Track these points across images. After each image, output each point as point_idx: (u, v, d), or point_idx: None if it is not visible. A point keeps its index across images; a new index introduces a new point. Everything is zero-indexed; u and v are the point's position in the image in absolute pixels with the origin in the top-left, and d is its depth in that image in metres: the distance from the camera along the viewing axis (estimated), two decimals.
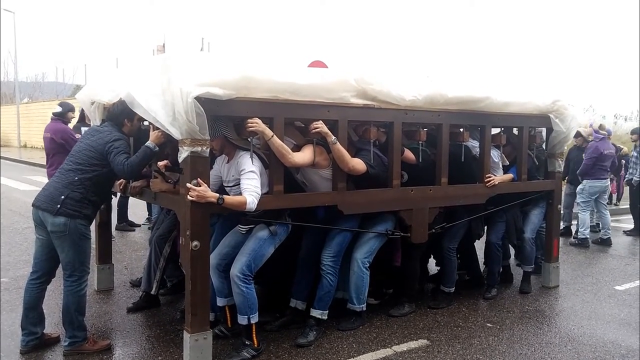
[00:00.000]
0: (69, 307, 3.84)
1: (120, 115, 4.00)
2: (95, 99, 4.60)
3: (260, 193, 3.67)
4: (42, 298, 3.96)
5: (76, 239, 3.75)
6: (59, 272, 3.92)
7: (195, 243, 3.50)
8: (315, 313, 4.28)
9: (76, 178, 3.76)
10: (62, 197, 3.71)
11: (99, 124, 4.27)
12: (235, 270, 3.79)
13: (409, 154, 4.57)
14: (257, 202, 3.62)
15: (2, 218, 8.01)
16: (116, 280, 5.56)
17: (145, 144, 3.84)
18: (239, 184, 3.74)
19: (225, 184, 3.93)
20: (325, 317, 4.31)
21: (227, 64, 3.62)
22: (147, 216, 8.61)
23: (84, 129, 7.25)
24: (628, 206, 9.48)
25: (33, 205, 3.86)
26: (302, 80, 3.83)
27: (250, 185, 3.63)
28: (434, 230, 4.77)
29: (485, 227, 5.55)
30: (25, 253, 6.63)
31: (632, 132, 8.72)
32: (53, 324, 4.32)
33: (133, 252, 6.80)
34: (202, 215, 3.53)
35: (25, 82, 36.91)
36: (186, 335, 3.60)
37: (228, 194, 3.74)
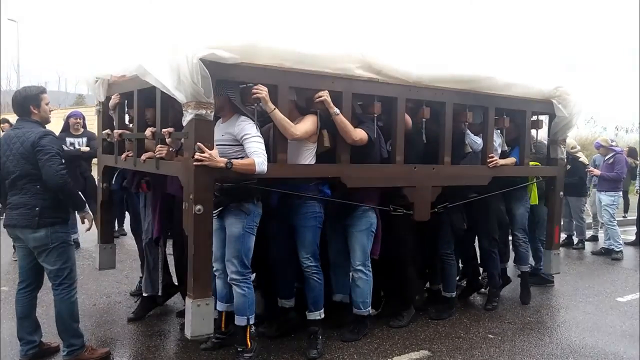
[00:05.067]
0: (62, 315, 3.81)
1: (25, 103, 3.74)
2: (99, 75, 4.60)
3: (266, 156, 3.66)
4: (34, 306, 3.93)
5: (60, 249, 3.71)
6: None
7: (198, 207, 3.48)
8: (314, 316, 4.21)
9: (38, 186, 3.65)
10: (37, 208, 3.63)
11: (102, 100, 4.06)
12: (232, 273, 3.77)
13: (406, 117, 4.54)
14: (266, 164, 3.62)
15: (2, 227, 8.00)
16: (117, 289, 5.56)
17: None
18: (228, 144, 3.71)
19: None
20: (323, 315, 4.24)
21: (233, 28, 3.59)
22: None
23: (69, 140, 7.24)
24: (635, 217, 9.54)
25: (7, 226, 3.77)
26: (307, 48, 3.82)
27: (258, 148, 3.63)
28: (436, 210, 4.73)
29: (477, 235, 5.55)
30: None
31: None
32: (53, 334, 4.30)
33: (133, 261, 6.76)
34: (206, 180, 3.53)
35: None
36: (188, 301, 3.55)
37: None
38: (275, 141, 3.86)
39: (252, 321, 3.87)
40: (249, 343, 3.88)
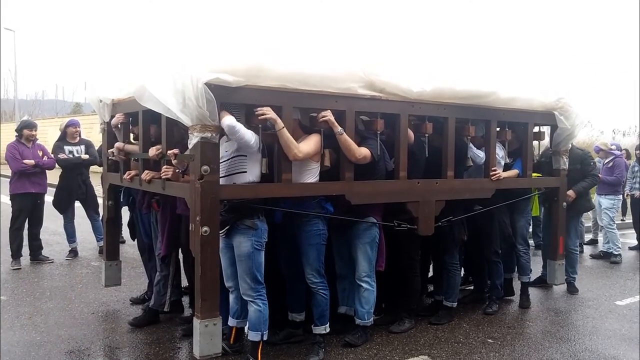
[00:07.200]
0: None
1: None
2: (102, 97, 4.62)
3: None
4: None
5: None
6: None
7: (205, 228, 3.51)
8: (319, 330, 4.24)
9: None
10: None
11: (107, 121, 4.09)
12: (246, 290, 3.80)
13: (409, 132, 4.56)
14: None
15: (2, 236, 7.99)
16: (115, 297, 5.55)
17: None
18: (232, 158, 3.74)
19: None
20: (328, 330, 4.28)
21: (237, 50, 3.63)
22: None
23: (67, 148, 7.26)
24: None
25: None
26: (310, 69, 3.85)
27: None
28: (440, 224, 4.75)
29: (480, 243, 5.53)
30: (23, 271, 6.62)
31: (637, 148, 8.83)
32: (52, 342, 4.29)
33: (132, 269, 6.77)
34: (212, 201, 3.55)
35: (25, 100, 37.12)
36: (196, 322, 3.56)
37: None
38: (280, 161, 3.88)
39: (265, 337, 3.89)
40: (259, 359, 3.89)
